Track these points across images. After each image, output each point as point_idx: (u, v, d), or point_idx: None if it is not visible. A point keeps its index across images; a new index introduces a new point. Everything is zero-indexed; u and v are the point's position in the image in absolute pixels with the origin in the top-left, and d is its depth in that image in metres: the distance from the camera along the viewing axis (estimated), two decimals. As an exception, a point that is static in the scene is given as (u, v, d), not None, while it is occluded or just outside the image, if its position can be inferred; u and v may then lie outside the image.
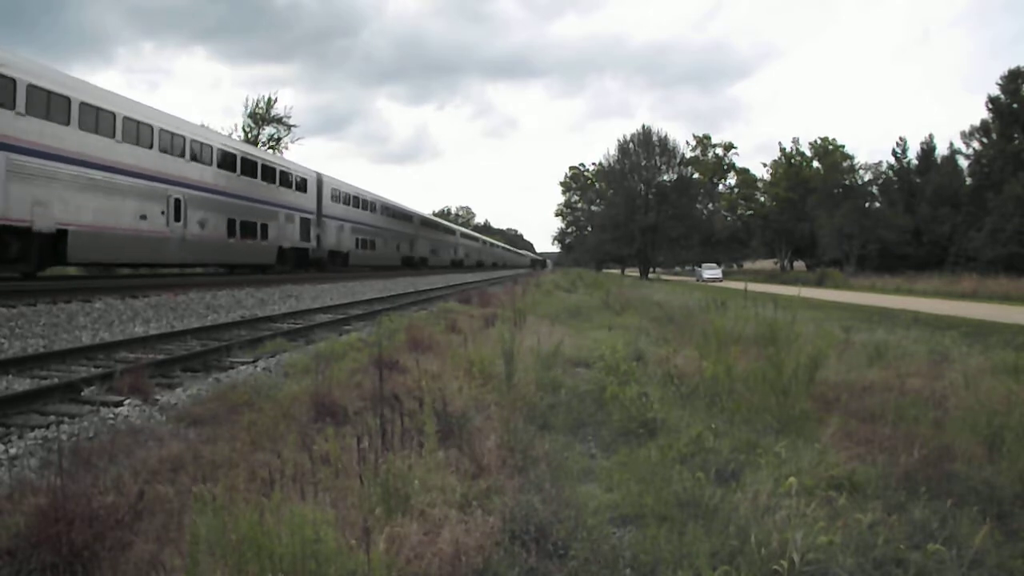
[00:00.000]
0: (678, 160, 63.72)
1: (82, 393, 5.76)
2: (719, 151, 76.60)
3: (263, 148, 43.99)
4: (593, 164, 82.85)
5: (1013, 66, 49.41)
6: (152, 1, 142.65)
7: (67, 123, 14.39)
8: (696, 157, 72.69)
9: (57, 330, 9.29)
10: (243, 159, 23.02)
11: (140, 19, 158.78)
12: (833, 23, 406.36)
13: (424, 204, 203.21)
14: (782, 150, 70.23)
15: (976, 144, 53.37)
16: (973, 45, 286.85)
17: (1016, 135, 48.42)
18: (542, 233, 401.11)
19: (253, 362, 7.87)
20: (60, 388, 5.72)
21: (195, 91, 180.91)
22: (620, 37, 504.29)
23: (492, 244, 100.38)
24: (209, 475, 3.41)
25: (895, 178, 61.98)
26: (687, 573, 2.54)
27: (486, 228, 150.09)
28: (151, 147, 17.54)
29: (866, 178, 64.30)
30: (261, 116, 47.87)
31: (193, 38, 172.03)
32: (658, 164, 62.02)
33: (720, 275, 55.94)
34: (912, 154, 61.39)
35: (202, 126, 24.42)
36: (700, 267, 62.02)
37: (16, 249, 13.53)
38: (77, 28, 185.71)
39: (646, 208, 60.34)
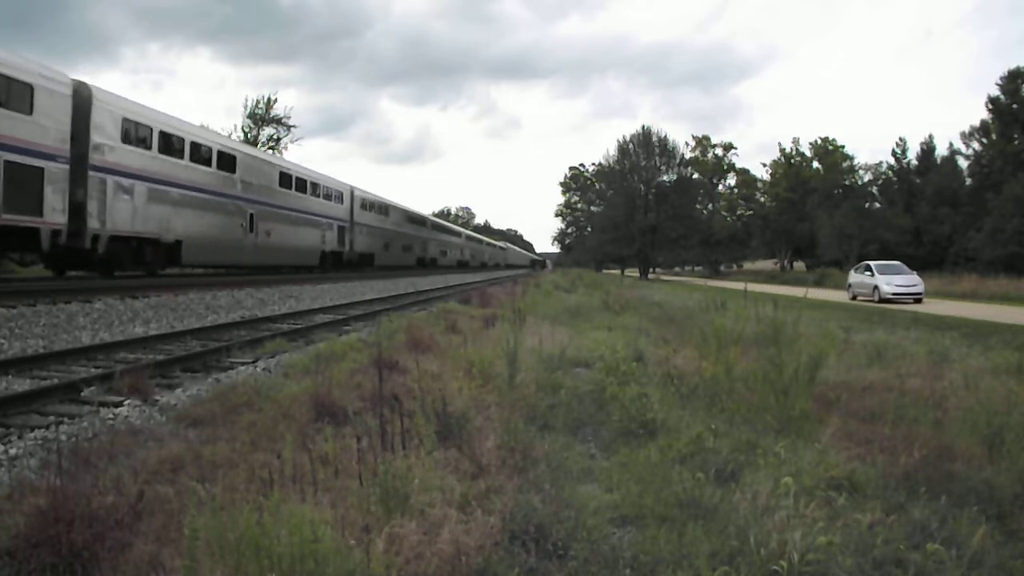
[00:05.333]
0: (678, 160, 63.96)
1: (82, 393, 5.75)
2: (719, 151, 76.62)
3: (265, 148, 43.35)
4: (593, 164, 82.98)
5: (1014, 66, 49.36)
6: (158, 1, 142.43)
7: None
8: (696, 157, 72.72)
9: (57, 330, 9.29)
10: None
11: (146, 20, 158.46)
12: (837, 24, 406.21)
13: (425, 204, 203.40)
14: (782, 150, 70.22)
15: (976, 144, 53.42)
16: (977, 46, 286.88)
17: (1016, 135, 48.40)
18: (542, 233, 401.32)
19: (253, 362, 7.87)
20: (60, 388, 5.72)
21: (199, 91, 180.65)
22: (623, 38, 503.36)
23: (480, 241, 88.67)
24: (209, 475, 3.41)
25: (895, 178, 62.00)
26: (687, 573, 2.54)
27: (486, 228, 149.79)
28: None
29: (866, 178, 64.31)
30: (260, 117, 47.94)
31: (198, 39, 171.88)
32: (658, 164, 62.21)
33: (918, 285, 24.64)
34: (912, 154, 61.54)
35: None
36: (872, 271, 25.96)
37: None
38: (82, 29, 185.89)
39: (646, 209, 60.45)
